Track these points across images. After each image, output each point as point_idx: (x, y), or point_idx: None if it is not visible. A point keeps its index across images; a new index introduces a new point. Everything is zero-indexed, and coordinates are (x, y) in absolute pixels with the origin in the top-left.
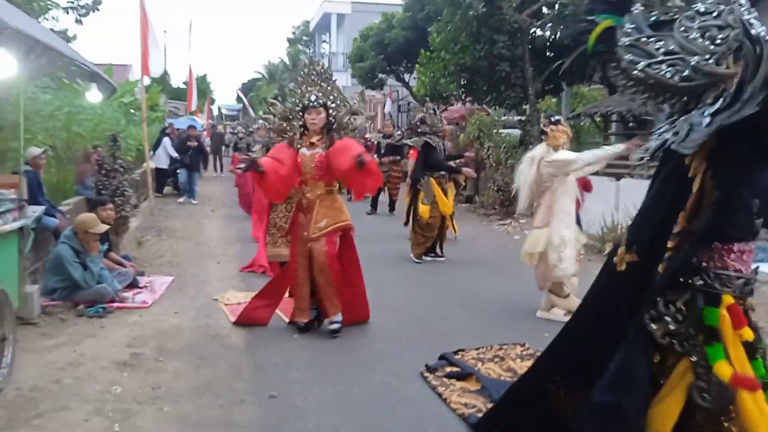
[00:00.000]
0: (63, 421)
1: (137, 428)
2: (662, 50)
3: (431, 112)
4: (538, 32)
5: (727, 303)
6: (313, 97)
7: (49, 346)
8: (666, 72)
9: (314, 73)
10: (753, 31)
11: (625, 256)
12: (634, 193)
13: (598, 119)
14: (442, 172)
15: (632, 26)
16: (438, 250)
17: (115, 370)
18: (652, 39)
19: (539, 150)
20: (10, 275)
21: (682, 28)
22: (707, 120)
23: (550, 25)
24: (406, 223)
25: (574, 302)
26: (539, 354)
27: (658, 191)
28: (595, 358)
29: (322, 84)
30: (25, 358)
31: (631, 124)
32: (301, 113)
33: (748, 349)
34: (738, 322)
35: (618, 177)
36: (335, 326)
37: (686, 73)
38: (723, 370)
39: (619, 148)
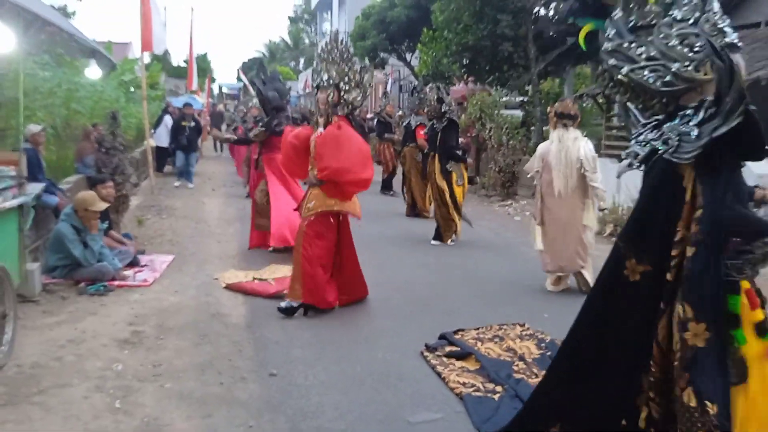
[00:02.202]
0: (64, 398)
1: (138, 405)
2: (644, 56)
3: (444, 92)
4: (542, 12)
5: (744, 288)
6: (325, 76)
7: (50, 323)
8: (648, 77)
9: (336, 51)
10: (727, 39)
11: (637, 267)
12: (635, 174)
13: (601, 100)
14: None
15: (613, 31)
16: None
17: (116, 347)
18: (633, 44)
19: (578, 133)
20: (10, 252)
21: (662, 35)
22: (695, 132)
23: (553, 5)
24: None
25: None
26: (533, 391)
27: (652, 198)
28: (610, 389)
29: (341, 63)
30: (26, 335)
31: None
32: (315, 90)
33: (759, 328)
34: (753, 305)
35: (620, 158)
36: (283, 304)
37: (668, 78)
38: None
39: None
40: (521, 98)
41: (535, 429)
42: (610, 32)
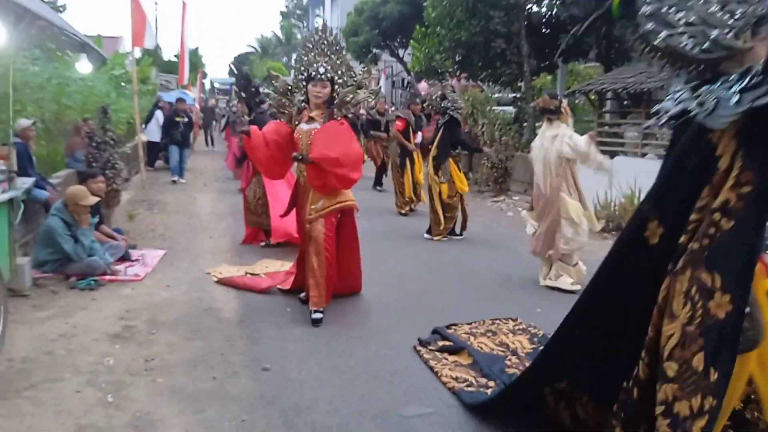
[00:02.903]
0: (55, 393)
1: (130, 399)
2: (683, 21)
3: (450, 88)
4: (535, 8)
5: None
6: (321, 69)
7: (41, 318)
8: (686, 44)
9: (325, 42)
10: (765, 10)
11: (657, 230)
12: (627, 170)
13: (593, 97)
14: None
15: None
16: (456, 229)
17: (108, 342)
18: (672, 9)
19: (560, 129)
20: (0, 247)
21: (702, 1)
22: (736, 97)
23: (546, 1)
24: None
25: (582, 271)
26: (539, 351)
27: (680, 160)
28: (616, 351)
29: (332, 56)
30: (16, 329)
31: (625, 102)
32: (304, 83)
33: None
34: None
35: (612, 155)
36: (318, 315)
37: (706, 45)
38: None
39: (605, 164)
40: (514, 94)
41: (542, 385)
42: None
